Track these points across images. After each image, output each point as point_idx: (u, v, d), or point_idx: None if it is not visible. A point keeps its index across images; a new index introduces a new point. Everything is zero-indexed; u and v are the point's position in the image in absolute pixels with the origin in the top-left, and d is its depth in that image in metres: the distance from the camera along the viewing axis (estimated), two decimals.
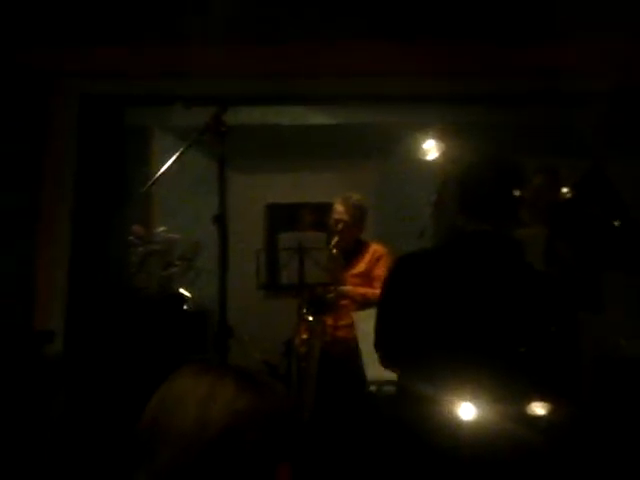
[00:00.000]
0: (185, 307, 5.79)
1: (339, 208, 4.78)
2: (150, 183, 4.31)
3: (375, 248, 4.73)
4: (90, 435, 4.37)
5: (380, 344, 3.03)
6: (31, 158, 4.23)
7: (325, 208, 5.28)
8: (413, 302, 2.90)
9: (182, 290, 5.75)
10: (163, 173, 4.14)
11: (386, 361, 3.07)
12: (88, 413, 4.38)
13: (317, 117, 6.01)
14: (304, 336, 4.56)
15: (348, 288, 4.53)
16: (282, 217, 6.59)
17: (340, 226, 4.70)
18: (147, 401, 1.44)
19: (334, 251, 4.67)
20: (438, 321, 2.88)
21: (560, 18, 4.08)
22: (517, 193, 2.93)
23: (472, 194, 2.92)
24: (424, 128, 5.93)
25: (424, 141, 5.80)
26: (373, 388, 4.00)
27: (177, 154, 3.53)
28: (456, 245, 3.04)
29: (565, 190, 4.68)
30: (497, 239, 2.93)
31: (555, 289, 2.99)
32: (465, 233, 2.97)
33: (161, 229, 5.90)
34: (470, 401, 2.76)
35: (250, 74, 4.33)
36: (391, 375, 3.10)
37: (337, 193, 5.02)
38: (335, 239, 4.70)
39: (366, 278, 4.72)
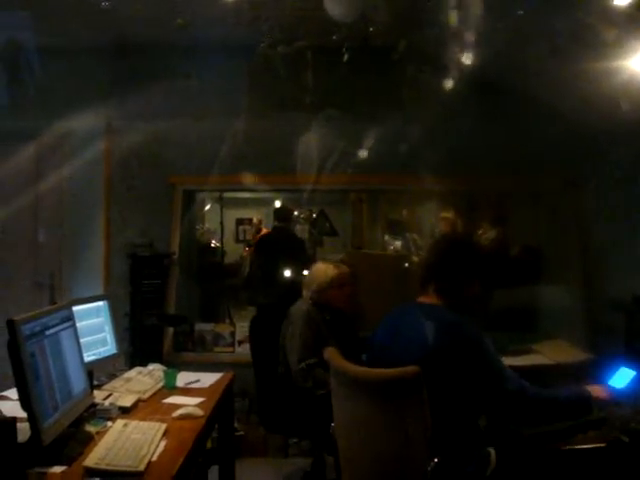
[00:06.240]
0: (212, 245, 7.53)
1: (254, 219, 8.69)
2: (202, 213, 8.35)
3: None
4: None
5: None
6: (168, 208, 5.25)
7: (251, 220, 8.99)
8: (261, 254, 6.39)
9: (213, 242, 7.55)
10: (207, 210, 8.40)
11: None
12: None
13: (248, 194, 7.44)
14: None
15: None
16: (240, 222, 9.09)
17: (255, 224, 8.73)
18: None
19: (253, 230, 8.49)
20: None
21: None
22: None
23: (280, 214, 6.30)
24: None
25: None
26: None
27: (209, 205, 7.43)
28: (275, 230, 6.26)
29: None
30: (288, 229, 6.18)
31: (304, 246, 6.35)
32: (276, 226, 6.18)
33: (207, 225, 7.85)
34: None
35: (233, 184, 5.40)
36: None
37: (254, 215, 8.85)
38: (254, 227, 8.80)
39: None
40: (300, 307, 3.65)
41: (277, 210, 6.40)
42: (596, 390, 2.34)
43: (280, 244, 5.97)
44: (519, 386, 2.20)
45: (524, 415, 2.22)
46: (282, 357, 3.63)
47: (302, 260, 5.81)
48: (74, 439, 2.23)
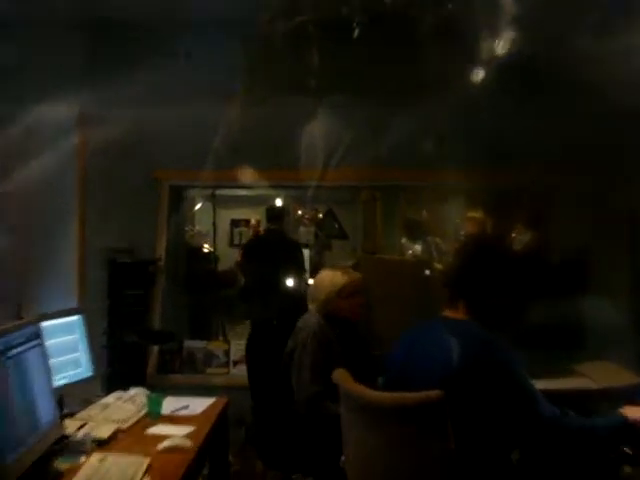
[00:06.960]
0: (203, 249, 7.61)
1: (252, 220, 9.02)
2: (192, 213, 8.41)
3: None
4: None
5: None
6: (152, 207, 5.29)
7: (248, 221, 9.39)
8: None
9: (205, 246, 7.65)
10: (197, 210, 8.37)
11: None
12: None
13: (245, 192, 7.45)
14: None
15: None
16: (235, 223, 9.51)
17: (253, 226, 9.03)
18: None
19: (251, 233, 8.77)
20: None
21: None
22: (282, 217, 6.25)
23: (272, 214, 6.18)
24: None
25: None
26: None
27: (200, 203, 7.85)
28: (267, 233, 6.36)
29: None
30: (281, 231, 6.11)
31: (300, 250, 6.23)
32: (268, 229, 6.22)
33: (197, 227, 8.08)
34: None
35: (227, 179, 5.38)
36: None
37: (251, 216, 9.12)
38: (251, 230, 8.89)
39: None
40: (309, 320, 3.58)
41: (269, 209, 6.37)
42: (632, 411, 2.26)
43: (271, 248, 5.91)
44: (552, 412, 2.19)
45: (557, 445, 2.19)
46: (284, 380, 3.57)
47: (298, 266, 5.83)
48: (41, 478, 2.21)
